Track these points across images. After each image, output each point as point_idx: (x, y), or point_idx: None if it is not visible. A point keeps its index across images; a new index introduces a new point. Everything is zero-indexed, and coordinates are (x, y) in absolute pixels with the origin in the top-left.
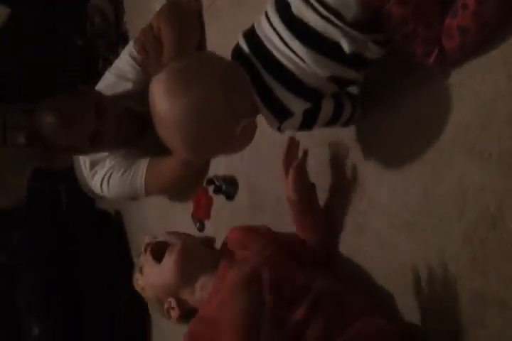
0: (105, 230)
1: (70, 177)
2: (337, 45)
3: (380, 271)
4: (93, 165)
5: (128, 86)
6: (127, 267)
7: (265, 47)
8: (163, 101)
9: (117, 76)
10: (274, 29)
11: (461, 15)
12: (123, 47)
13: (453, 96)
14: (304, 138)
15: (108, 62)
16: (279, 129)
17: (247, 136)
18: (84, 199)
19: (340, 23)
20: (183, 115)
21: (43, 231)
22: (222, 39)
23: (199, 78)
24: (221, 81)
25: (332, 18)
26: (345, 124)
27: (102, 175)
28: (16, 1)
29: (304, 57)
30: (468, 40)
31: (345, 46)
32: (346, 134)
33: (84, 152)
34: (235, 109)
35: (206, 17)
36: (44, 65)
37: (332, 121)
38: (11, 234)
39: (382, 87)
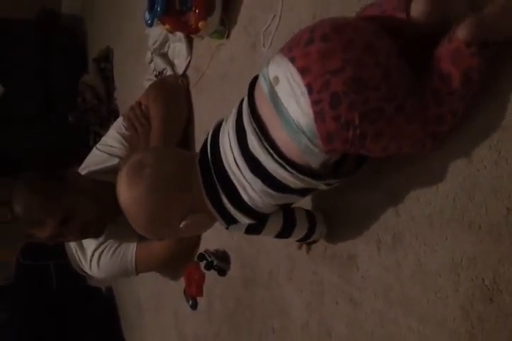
0: (96, 307)
1: (61, 254)
2: (286, 185)
3: None
4: (81, 245)
5: (115, 162)
6: None
7: (222, 165)
8: (121, 193)
9: (105, 152)
10: (232, 150)
11: (449, 102)
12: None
13: (438, 167)
14: None
15: (99, 137)
16: (227, 228)
17: (195, 227)
18: (74, 275)
19: (291, 170)
20: (133, 206)
21: (32, 308)
22: (208, 113)
23: (149, 174)
24: (170, 179)
25: (284, 164)
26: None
27: (91, 255)
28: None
29: (253, 186)
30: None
31: (294, 186)
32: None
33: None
34: (179, 206)
35: (193, 92)
36: (38, 142)
37: (282, 237)
38: None
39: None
